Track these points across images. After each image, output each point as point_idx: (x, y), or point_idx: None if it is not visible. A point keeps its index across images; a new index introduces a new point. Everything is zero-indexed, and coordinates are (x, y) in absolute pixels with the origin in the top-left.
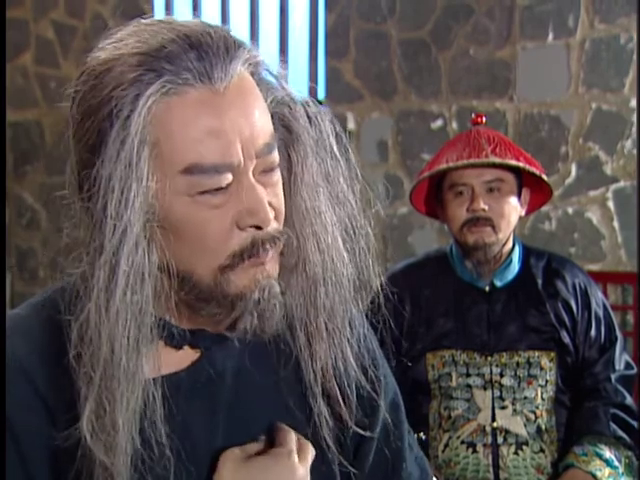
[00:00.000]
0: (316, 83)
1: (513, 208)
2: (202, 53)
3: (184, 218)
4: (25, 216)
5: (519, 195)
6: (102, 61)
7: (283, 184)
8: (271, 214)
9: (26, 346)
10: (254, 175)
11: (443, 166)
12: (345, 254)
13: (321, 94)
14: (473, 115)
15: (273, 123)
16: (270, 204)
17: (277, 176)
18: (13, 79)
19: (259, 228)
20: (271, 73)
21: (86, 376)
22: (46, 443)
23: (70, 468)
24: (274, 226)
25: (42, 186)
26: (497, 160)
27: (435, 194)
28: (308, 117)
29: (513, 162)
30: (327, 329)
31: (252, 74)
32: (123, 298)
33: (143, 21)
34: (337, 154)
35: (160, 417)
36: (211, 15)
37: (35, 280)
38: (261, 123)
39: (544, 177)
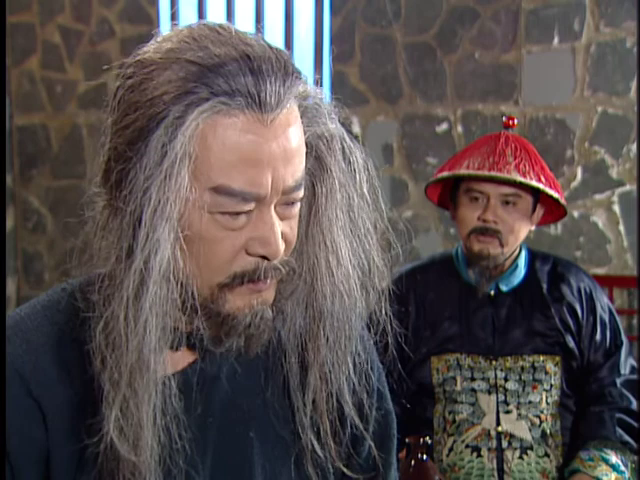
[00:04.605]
0: (321, 87)
1: (524, 225)
2: (260, 80)
3: (199, 232)
4: (31, 220)
5: (533, 211)
6: (158, 58)
7: (303, 213)
8: (282, 246)
9: (22, 347)
10: (275, 207)
11: (463, 171)
12: (357, 292)
13: (326, 98)
14: (505, 118)
15: (306, 152)
16: (283, 234)
17: (297, 209)
18: (20, 83)
19: (266, 258)
20: (319, 106)
21: (111, 380)
22: (35, 445)
23: (69, 471)
24: (281, 258)
25: (48, 190)
26: (518, 178)
27: (451, 191)
28: (342, 152)
29: (533, 183)
30: (325, 364)
31: (299, 105)
32: (152, 306)
33: (204, 25)
34: (366, 193)
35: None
36: (216, 19)
37: (41, 284)
38: (297, 161)
39: (562, 201)
